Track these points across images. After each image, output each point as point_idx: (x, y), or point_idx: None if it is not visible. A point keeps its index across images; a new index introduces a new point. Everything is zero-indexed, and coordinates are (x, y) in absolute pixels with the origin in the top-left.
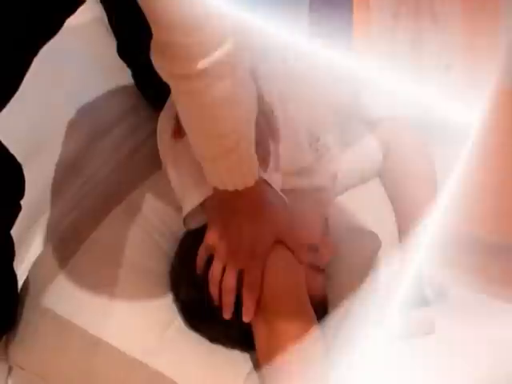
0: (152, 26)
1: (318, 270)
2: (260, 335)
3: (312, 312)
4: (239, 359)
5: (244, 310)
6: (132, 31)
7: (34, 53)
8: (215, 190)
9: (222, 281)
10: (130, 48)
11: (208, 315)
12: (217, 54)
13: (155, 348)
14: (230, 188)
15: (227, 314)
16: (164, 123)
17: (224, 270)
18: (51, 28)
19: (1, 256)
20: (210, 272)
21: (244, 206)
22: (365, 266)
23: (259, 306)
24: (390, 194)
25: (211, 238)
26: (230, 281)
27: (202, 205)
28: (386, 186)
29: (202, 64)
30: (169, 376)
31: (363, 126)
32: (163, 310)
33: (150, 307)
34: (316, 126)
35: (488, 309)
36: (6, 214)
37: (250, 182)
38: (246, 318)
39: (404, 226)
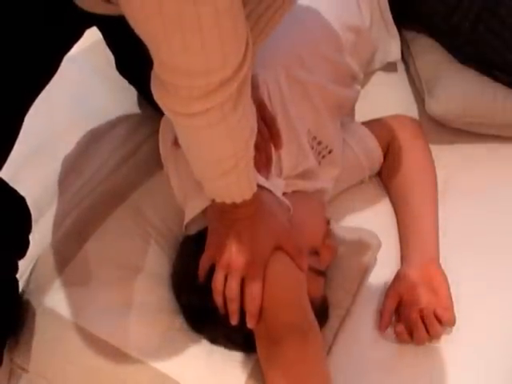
0: (156, 64)
1: (319, 272)
2: (261, 342)
3: (313, 316)
4: (241, 359)
5: (247, 317)
6: (129, 52)
7: (36, 95)
8: (213, 201)
9: (225, 290)
10: (129, 65)
11: (210, 319)
12: (220, 96)
13: (156, 348)
14: (228, 201)
15: (234, 321)
16: (166, 127)
17: (226, 278)
18: (52, 68)
19: (3, 270)
20: (213, 282)
21: (242, 215)
22: (364, 267)
23: (260, 313)
24: (390, 192)
25: (211, 247)
26: (233, 290)
27: (203, 211)
28: (386, 184)
29: (204, 105)
30: (171, 376)
31: (364, 125)
32: (164, 310)
33: (151, 307)
34: (317, 129)
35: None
36: (14, 253)
37: (248, 195)
38: (250, 325)
39: (404, 226)
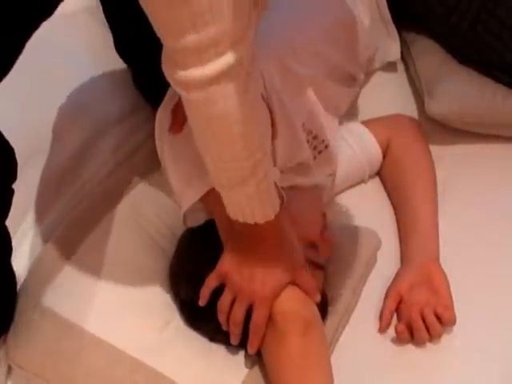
0: (163, 36)
1: (318, 266)
2: (269, 339)
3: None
4: (238, 358)
5: (249, 344)
6: (128, 25)
7: (29, 34)
8: (236, 222)
9: (230, 311)
10: (127, 42)
11: (208, 314)
12: (229, 55)
13: (154, 347)
14: (250, 221)
15: (234, 342)
16: (162, 118)
17: (233, 301)
18: (46, 8)
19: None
20: (220, 301)
21: (262, 247)
22: (365, 265)
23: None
24: (390, 192)
25: (225, 267)
26: (238, 316)
27: (203, 200)
28: (386, 184)
29: (214, 66)
30: (168, 375)
31: (363, 125)
32: (162, 310)
33: (149, 306)
34: (312, 122)
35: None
36: None
37: (270, 215)
38: (250, 352)
39: (404, 225)
